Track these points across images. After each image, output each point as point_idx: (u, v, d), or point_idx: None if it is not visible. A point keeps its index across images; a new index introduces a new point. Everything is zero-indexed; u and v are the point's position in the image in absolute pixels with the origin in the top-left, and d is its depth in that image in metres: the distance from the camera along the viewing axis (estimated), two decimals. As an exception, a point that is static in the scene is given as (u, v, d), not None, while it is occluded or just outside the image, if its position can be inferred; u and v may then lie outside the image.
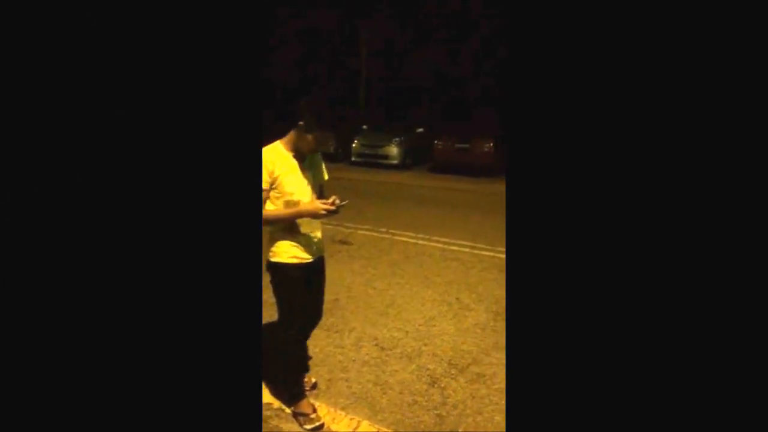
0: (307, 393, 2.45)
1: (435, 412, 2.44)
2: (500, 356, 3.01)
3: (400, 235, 5.77)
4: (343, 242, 5.40)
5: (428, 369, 2.85)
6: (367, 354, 3.00)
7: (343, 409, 2.44)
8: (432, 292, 4.06)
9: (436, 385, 2.68)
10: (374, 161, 11.83)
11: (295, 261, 2.21)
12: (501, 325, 3.45)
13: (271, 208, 2.15)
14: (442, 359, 2.97)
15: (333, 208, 2.07)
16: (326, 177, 2.38)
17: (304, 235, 2.23)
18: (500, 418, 2.39)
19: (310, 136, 2.12)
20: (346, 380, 2.70)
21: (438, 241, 5.57)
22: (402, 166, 11.80)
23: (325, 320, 3.51)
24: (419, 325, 3.44)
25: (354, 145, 12.17)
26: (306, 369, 2.56)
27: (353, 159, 12.16)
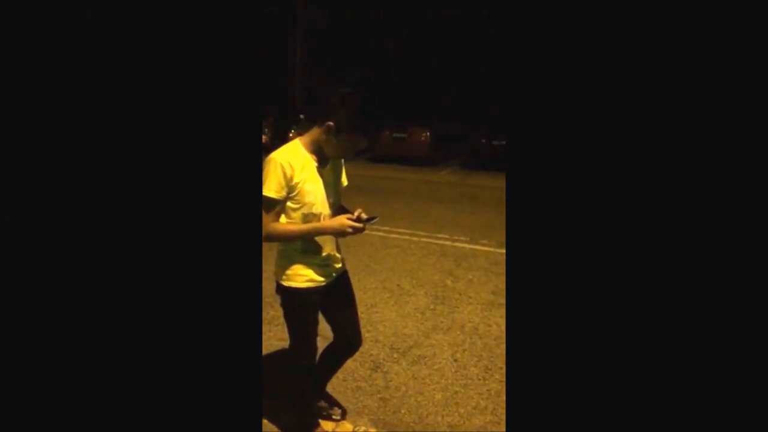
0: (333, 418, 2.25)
1: (378, 396, 2.51)
2: (439, 337, 3.13)
3: (340, 226, 5.79)
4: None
5: (371, 355, 2.91)
6: (310, 344, 3.03)
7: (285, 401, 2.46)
8: (373, 280, 4.13)
9: (378, 370, 2.75)
10: (312, 151, 11.74)
11: (311, 285, 1.84)
12: (440, 308, 3.58)
13: (284, 221, 1.75)
14: (384, 344, 3.04)
15: (360, 225, 1.72)
16: (346, 183, 1.97)
17: (323, 255, 1.87)
18: (440, 396, 2.50)
19: (338, 139, 1.68)
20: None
21: (378, 230, 5.65)
22: (341, 156, 11.80)
23: (266, 313, 3.49)
24: (362, 313, 3.47)
25: (291, 135, 12.03)
26: (321, 397, 2.29)
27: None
